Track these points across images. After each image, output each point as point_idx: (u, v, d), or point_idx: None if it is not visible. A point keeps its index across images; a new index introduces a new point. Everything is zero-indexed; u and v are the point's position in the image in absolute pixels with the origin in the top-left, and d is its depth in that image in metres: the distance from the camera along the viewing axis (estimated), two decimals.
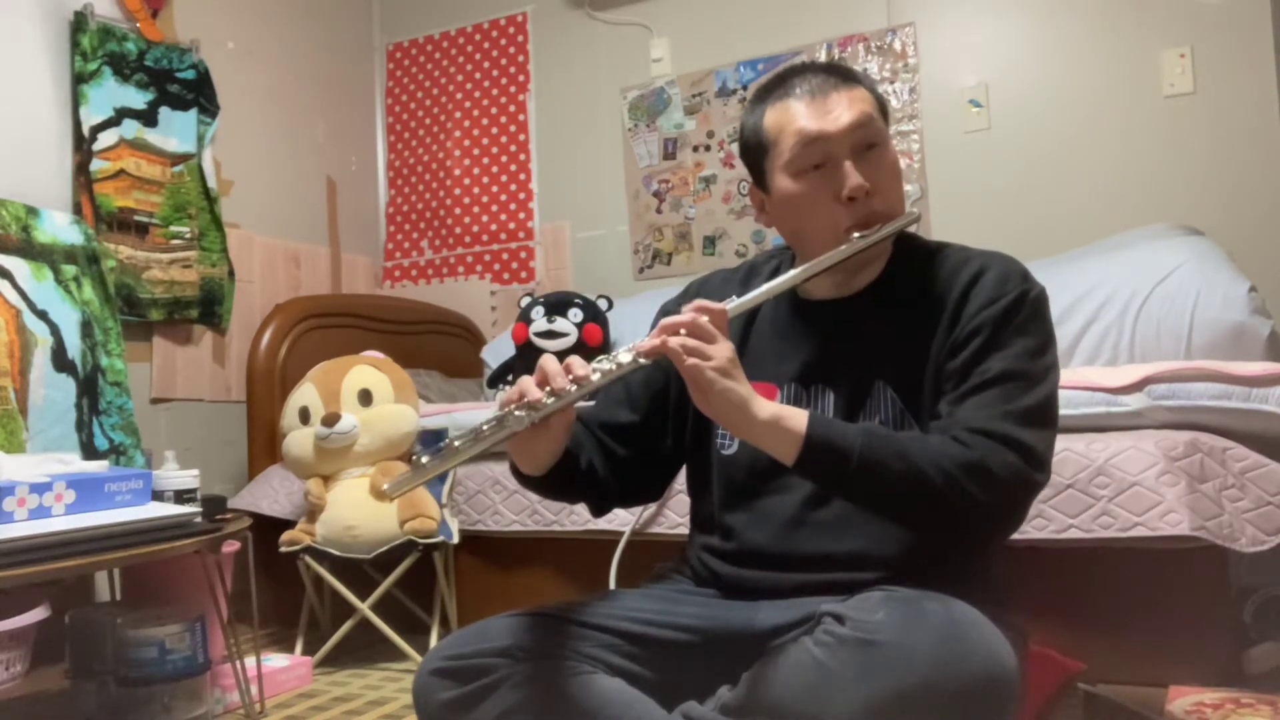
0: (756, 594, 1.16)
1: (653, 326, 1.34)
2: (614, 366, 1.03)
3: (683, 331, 1.03)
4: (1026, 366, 1.08)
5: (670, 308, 1.33)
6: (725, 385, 1.01)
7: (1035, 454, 1.04)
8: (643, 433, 1.27)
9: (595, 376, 1.03)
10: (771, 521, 1.17)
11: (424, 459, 1.03)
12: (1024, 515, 1.10)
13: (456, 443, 1.02)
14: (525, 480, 1.18)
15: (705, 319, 1.04)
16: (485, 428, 1.03)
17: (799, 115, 1.15)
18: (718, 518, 1.22)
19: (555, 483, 1.17)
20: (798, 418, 1.03)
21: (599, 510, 1.28)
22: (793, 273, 1.13)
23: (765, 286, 1.12)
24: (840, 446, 1.02)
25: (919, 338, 1.14)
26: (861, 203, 1.13)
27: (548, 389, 1.03)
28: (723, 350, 1.02)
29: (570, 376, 1.03)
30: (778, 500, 1.17)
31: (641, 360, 1.04)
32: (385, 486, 1.04)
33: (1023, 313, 1.10)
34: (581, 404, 1.08)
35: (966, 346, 1.10)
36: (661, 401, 1.28)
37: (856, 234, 1.12)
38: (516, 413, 1.02)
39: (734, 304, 1.09)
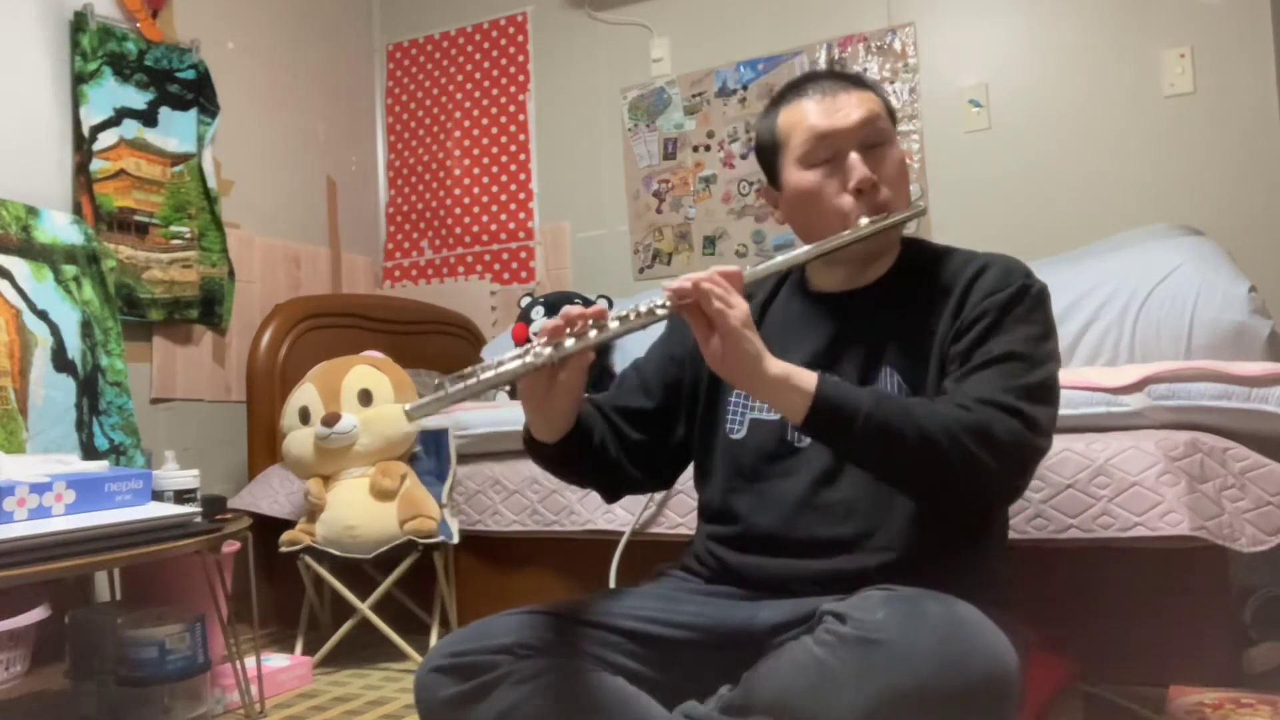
0: (762, 584, 1.17)
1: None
2: (634, 315, 1.05)
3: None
4: (1028, 350, 1.12)
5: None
6: (745, 334, 1.03)
7: (1037, 422, 1.08)
8: (656, 419, 1.31)
9: (614, 324, 1.05)
10: (778, 506, 1.19)
11: (448, 384, 1.03)
12: (1027, 481, 1.13)
13: (482, 374, 1.03)
14: (537, 453, 1.21)
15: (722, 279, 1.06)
16: (509, 359, 1.04)
17: (810, 113, 1.22)
18: (724, 502, 1.25)
19: (567, 454, 1.19)
20: (808, 376, 1.06)
21: (611, 494, 1.32)
22: (805, 249, 1.17)
23: (779, 259, 1.16)
24: (849, 405, 1.05)
25: (924, 327, 1.18)
26: (869, 195, 1.19)
27: (569, 330, 1.05)
28: (742, 304, 1.05)
29: (591, 320, 1.05)
30: (784, 484, 1.20)
31: (659, 309, 1.04)
32: (407, 408, 1.04)
33: (1025, 303, 1.15)
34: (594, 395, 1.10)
35: (970, 330, 1.14)
36: (675, 392, 1.33)
37: (866, 220, 1.17)
38: (538, 348, 1.05)
39: (749, 270, 1.11)
